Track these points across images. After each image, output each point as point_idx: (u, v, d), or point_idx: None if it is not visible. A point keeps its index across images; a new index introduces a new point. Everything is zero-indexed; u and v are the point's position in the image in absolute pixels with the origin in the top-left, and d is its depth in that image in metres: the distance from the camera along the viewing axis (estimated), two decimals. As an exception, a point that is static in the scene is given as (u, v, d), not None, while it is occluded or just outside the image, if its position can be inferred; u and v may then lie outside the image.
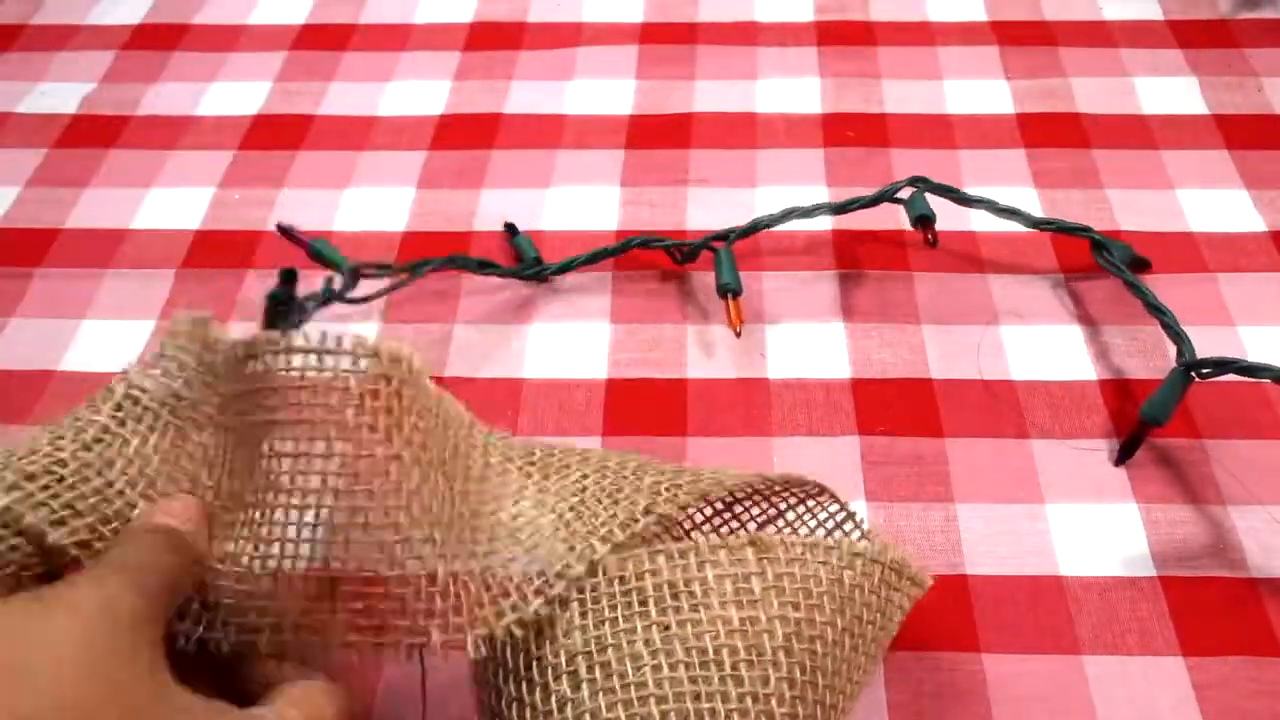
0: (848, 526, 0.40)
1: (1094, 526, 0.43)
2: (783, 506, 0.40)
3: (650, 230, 0.55)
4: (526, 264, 0.52)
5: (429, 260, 0.50)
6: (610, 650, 0.31)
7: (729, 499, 0.39)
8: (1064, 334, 0.50)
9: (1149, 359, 0.49)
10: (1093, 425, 0.46)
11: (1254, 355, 0.48)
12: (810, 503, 0.40)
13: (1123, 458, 0.45)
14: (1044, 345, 0.49)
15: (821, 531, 0.40)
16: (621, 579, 0.32)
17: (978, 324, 0.50)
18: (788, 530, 0.40)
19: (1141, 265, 0.52)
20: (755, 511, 0.39)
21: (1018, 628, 0.40)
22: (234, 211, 0.58)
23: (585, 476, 0.35)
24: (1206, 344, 0.46)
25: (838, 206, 0.52)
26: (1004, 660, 0.39)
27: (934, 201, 0.52)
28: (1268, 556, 0.41)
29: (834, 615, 0.33)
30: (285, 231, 0.50)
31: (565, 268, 0.52)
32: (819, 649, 0.32)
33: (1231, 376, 0.44)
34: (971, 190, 0.52)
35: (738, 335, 0.49)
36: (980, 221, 0.54)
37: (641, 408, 0.48)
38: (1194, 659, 0.39)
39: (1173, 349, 0.46)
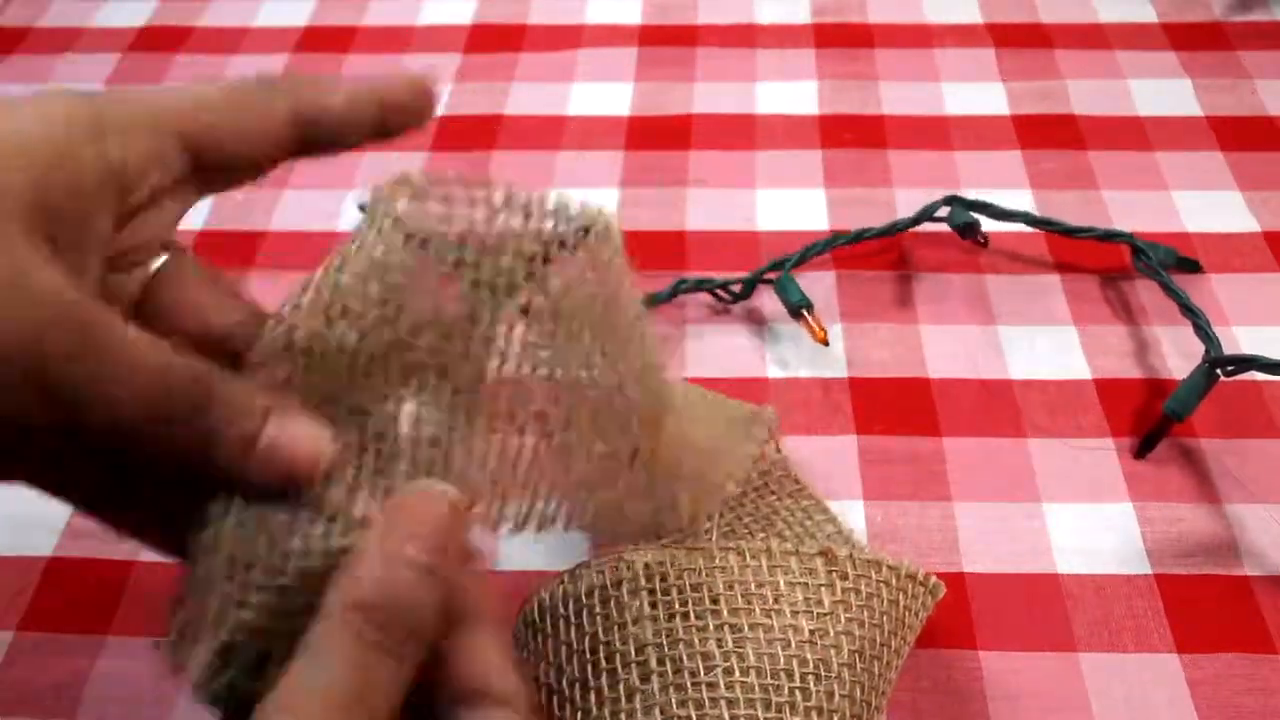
0: (838, 542, 0.40)
1: (1090, 524, 0.43)
2: (780, 509, 0.41)
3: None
4: None
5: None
6: (681, 646, 0.30)
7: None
8: (1060, 334, 0.50)
9: (1144, 358, 0.49)
10: (1089, 424, 0.47)
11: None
12: (819, 516, 0.40)
13: (1143, 451, 0.45)
14: (1040, 345, 0.50)
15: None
16: (691, 572, 0.32)
17: (975, 324, 0.51)
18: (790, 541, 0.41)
19: (1191, 267, 0.52)
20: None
21: (1014, 625, 0.40)
22: (236, 212, 0.58)
23: None
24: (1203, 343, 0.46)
25: (882, 230, 0.52)
26: (1001, 657, 0.39)
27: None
28: (1262, 554, 0.42)
29: (889, 636, 0.33)
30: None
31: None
32: (876, 669, 0.32)
33: (1236, 377, 0.44)
34: (968, 193, 0.53)
35: (825, 344, 0.49)
36: (977, 223, 0.54)
37: (642, 407, 0.48)
38: (1189, 656, 0.39)
39: (1167, 348, 0.48)
